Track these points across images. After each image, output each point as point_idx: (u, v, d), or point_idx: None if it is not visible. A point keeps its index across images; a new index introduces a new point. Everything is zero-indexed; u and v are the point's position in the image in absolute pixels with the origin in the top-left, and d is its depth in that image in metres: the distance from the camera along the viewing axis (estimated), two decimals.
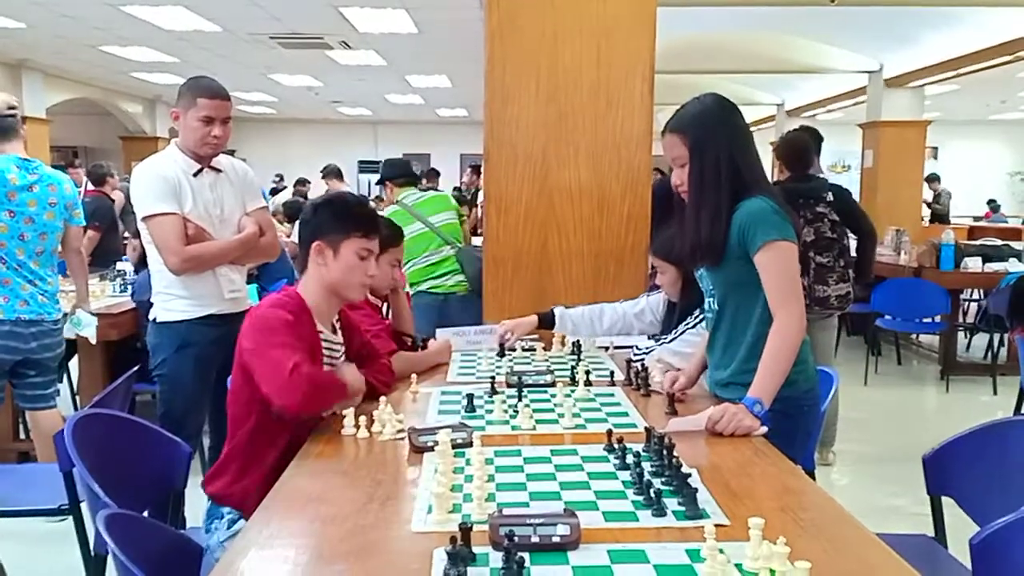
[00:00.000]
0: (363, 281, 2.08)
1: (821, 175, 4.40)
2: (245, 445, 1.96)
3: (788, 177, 3.95)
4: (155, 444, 2.10)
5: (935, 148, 15.11)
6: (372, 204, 4.50)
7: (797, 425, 2.02)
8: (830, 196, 3.86)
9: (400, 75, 11.32)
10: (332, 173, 8.73)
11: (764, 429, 1.86)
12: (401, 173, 4.59)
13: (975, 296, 7.41)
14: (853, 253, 4.02)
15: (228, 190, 2.88)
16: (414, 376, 2.31)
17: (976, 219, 12.75)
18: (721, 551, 1.18)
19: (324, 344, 2.05)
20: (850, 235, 4.01)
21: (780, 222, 1.93)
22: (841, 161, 14.30)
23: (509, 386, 2.24)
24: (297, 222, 6.94)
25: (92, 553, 2.07)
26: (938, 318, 6.14)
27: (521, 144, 3.09)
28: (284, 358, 1.84)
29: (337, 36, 8.66)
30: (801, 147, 3.99)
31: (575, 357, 2.68)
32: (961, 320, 6.75)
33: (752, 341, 1.99)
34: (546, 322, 2.75)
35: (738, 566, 1.20)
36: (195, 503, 2.21)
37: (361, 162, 17.09)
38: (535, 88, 3.09)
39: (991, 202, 14.09)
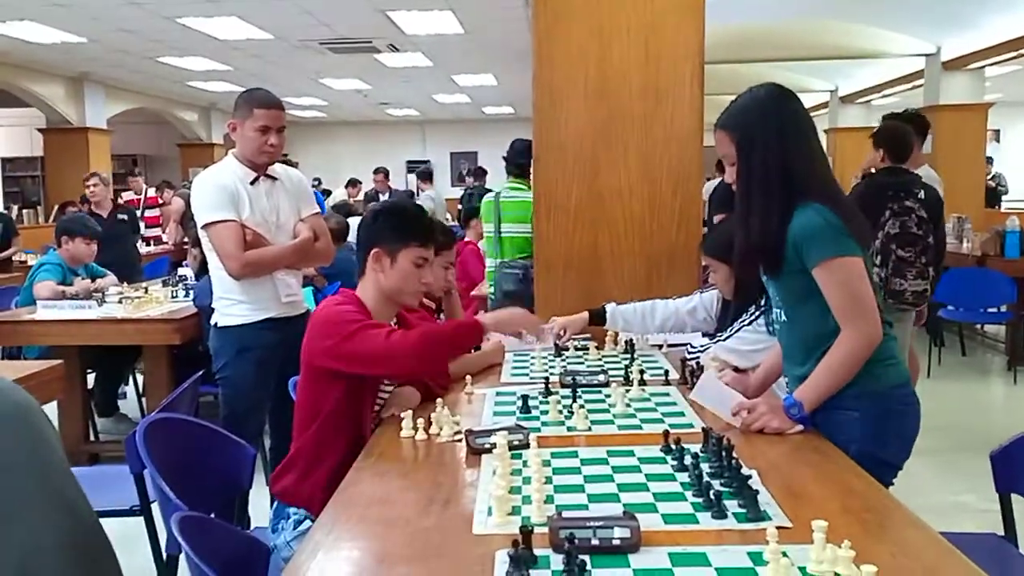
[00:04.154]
0: (418, 288, 2.13)
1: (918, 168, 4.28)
2: (311, 446, 2.01)
3: (880, 169, 3.86)
4: (221, 446, 2.16)
5: (997, 131, 14.57)
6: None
7: (890, 426, 1.86)
8: (922, 193, 3.76)
9: (447, 75, 11.39)
10: (423, 175, 9.21)
11: (799, 428, 1.83)
12: (510, 160, 4.36)
13: None
14: None
15: (283, 197, 2.95)
16: (468, 377, 2.33)
17: None
18: (784, 554, 1.17)
19: None
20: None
21: (836, 236, 1.78)
22: None
23: (563, 386, 2.25)
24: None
25: (164, 553, 2.14)
26: (1004, 307, 5.94)
27: (570, 144, 3.09)
28: (376, 332, 1.95)
29: (385, 39, 8.76)
30: (901, 138, 3.89)
31: (628, 356, 2.67)
32: None
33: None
34: (597, 319, 2.73)
35: (802, 569, 1.19)
36: (257, 503, 2.28)
37: (409, 162, 17.25)
38: (584, 87, 3.08)
39: None
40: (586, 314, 2.71)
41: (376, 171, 9.85)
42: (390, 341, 1.94)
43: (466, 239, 5.55)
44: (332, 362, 1.96)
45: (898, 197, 3.68)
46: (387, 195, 9.46)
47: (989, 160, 11.74)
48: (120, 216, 6.18)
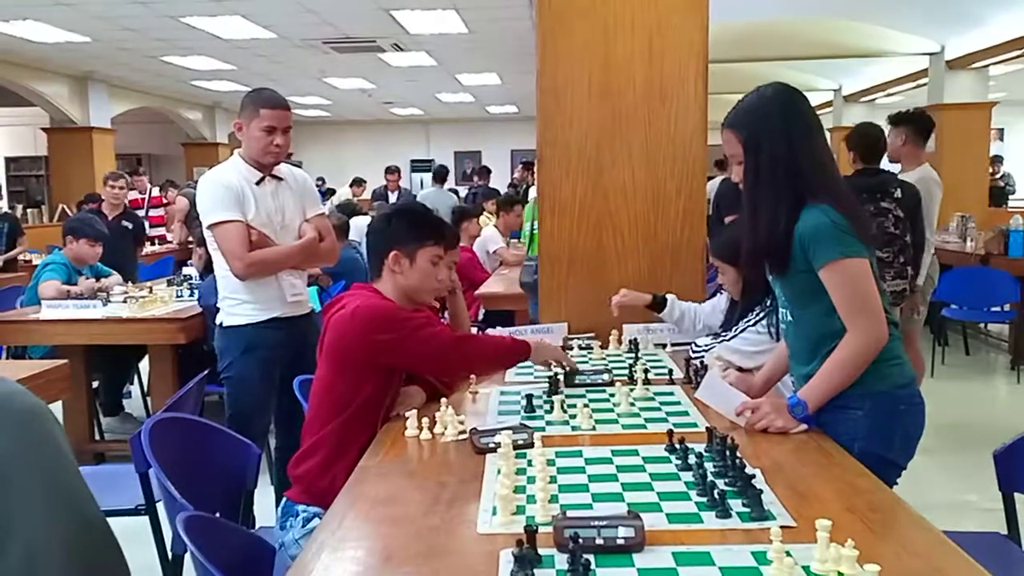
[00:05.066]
0: (436, 286, 2.20)
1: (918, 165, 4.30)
2: (334, 437, 2.02)
3: (855, 171, 3.88)
4: (226, 446, 2.17)
5: (1000, 130, 14.54)
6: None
7: (894, 425, 1.86)
8: (898, 192, 3.77)
9: (451, 74, 11.40)
10: (437, 175, 9.24)
11: (803, 427, 1.83)
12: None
13: None
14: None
15: (289, 197, 2.96)
16: (473, 376, 2.34)
17: None
18: (788, 554, 1.18)
19: None
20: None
21: (842, 236, 1.77)
22: None
23: (568, 386, 2.25)
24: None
25: (169, 553, 2.15)
26: (1008, 306, 5.92)
27: (574, 142, 3.09)
28: (440, 331, 2.09)
29: (389, 39, 8.76)
30: (874, 140, 3.92)
31: (632, 355, 2.68)
32: None
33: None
34: (656, 304, 2.79)
35: (805, 568, 1.19)
36: (262, 503, 2.28)
37: (413, 161, 17.27)
38: (587, 85, 3.08)
39: None
40: (649, 296, 2.80)
41: (388, 170, 9.89)
42: (459, 342, 2.10)
43: (461, 243, 5.59)
44: (382, 356, 2.02)
45: (874, 199, 3.70)
46: (396, 194, 9.47)
47: (1000, 159, 11.75)
48: (124, 223, 6.16)
